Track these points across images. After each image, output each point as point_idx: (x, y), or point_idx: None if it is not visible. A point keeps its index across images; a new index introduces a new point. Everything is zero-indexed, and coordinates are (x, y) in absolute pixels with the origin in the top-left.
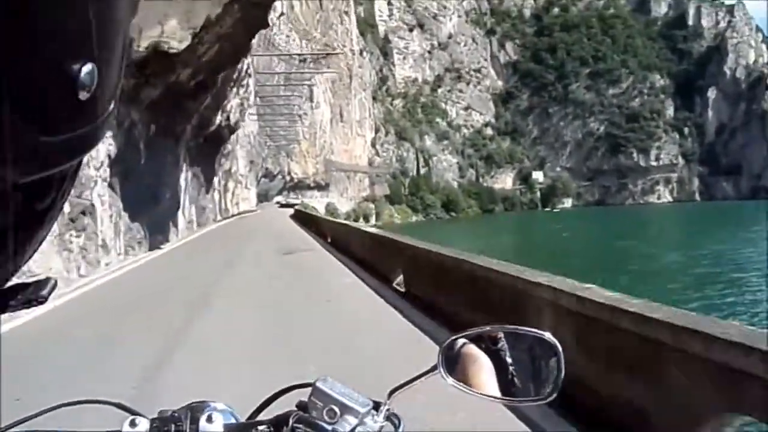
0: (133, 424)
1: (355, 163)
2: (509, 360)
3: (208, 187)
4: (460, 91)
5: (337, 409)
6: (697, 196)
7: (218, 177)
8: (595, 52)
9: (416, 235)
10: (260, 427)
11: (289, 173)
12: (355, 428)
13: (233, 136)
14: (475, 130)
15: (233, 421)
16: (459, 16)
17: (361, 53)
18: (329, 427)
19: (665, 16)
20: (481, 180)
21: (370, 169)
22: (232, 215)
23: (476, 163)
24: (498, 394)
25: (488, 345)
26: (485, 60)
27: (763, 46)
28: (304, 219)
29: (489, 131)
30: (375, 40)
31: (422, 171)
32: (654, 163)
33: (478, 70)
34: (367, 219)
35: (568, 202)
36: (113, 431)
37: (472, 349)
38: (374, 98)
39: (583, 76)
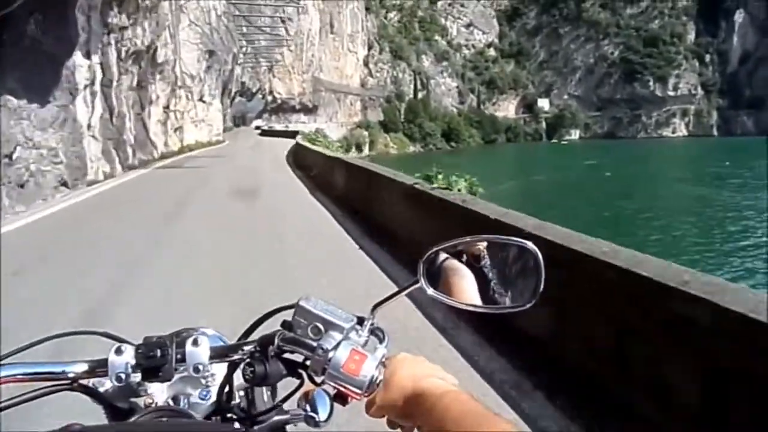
0: (118, 351)
1: (346, 83)
2: (490, 270)
3: (69, 89)
4: (462, 5)
5: (321, 326)
6: (715, 131)
7: (115, 67)
8: None
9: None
10: (246, 348)
11: (270, 92)
12: (340, 343)
13: None
14: (477, 51)
15: (221, 344)
16: None
17: None
18: (314, 344)
19: None
20: (482, 107)
21: (363, 91)
22: (161, 158)
23: (477, 88)
24: (478, 298)
25: (469, 259)
26: None
27: None
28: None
29: (492, 53)
30: None
31: (420, 95)
32: (671, 93)
33: None
34: (360, 148)
35: (575, 134)
36: (100, 359)
37: (453, 263)
38: (367, 9)
39: None
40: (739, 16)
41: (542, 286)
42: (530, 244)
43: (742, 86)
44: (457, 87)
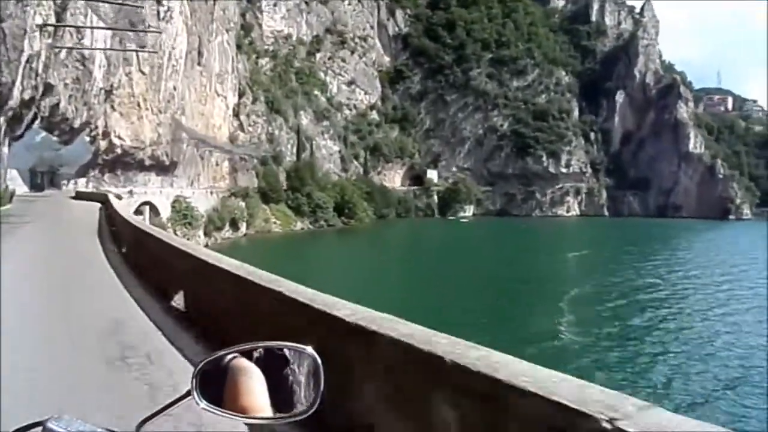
0: None
1: (213, 135)
2: (271, 375)
3: None
4: (343, 60)
5: None
6: (605, 211)
7: None
8: (498, 36)
9: None
10: None
11: (106, 134)
12: None
13: None
14: (360, 112)
15: None
16: None
17: None
18: None
19: (564, 8)
20: (368, 176)
21: (235, 147)
22: None
23: (363, 155)
24: (266, 407)
25: (261, 357)
26: (372, 28)
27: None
28: None
29: (375, 116)
30: None
31: (303, 157)
32: (564, 170)
33: (365, 39)
34: (236, 225)
35: (468, 210)
36: None
37: (241, 362)
38: (239, 47)
39: (485, 61)
40: (620, 97)
41: (322, 391)
42: (309, 349)
43: (626, 166)
44: (340, 152)
